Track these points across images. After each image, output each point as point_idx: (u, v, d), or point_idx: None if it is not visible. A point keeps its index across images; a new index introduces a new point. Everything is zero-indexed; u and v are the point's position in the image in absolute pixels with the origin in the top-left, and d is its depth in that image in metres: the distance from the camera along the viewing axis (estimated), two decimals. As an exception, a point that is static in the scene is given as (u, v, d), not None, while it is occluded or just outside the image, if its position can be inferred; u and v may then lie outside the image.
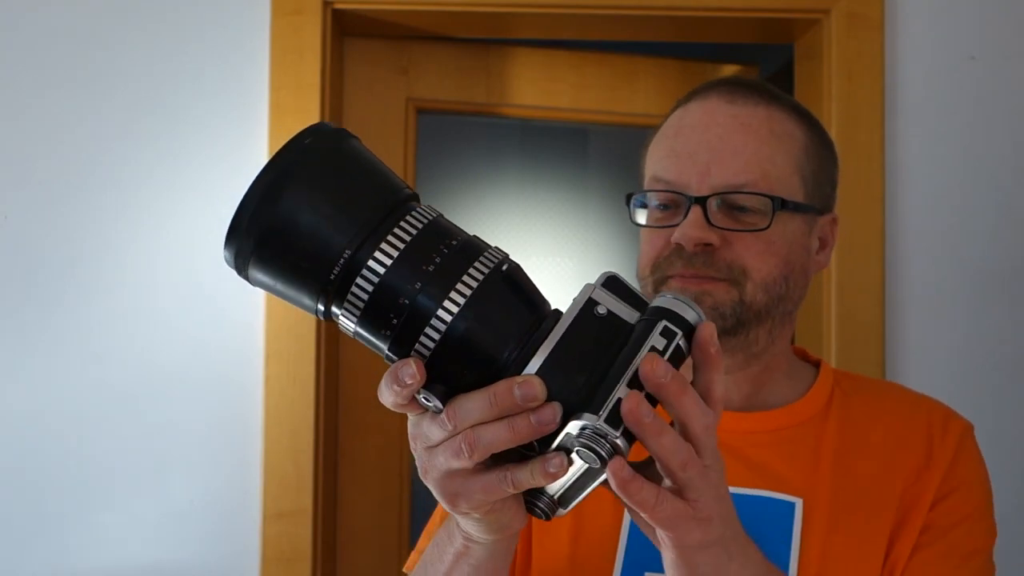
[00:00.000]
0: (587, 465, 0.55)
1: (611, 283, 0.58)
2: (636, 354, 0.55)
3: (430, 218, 0.56)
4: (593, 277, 0.60)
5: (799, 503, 0.86)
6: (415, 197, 0.58)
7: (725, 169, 0.88)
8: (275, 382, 1.52)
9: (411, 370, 0.54)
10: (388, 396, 0.56)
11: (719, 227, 0.87)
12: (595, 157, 2.09)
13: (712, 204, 0.87)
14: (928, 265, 1.58)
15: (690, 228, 0.86)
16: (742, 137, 0.89)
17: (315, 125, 0.56)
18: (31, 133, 1.54)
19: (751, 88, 0.93)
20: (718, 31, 1.69)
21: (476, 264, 0.55)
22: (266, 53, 1.55)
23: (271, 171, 0.54)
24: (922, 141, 1.58)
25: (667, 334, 0.56)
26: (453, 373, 0.55)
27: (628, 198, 0.94)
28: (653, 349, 0.55)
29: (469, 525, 0.64)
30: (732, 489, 0.85)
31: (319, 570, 1.54)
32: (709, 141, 0.89)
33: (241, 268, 0.56)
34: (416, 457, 0.60)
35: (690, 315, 0.57)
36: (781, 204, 0.88)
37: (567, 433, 0.54)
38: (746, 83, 0.95)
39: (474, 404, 0.55)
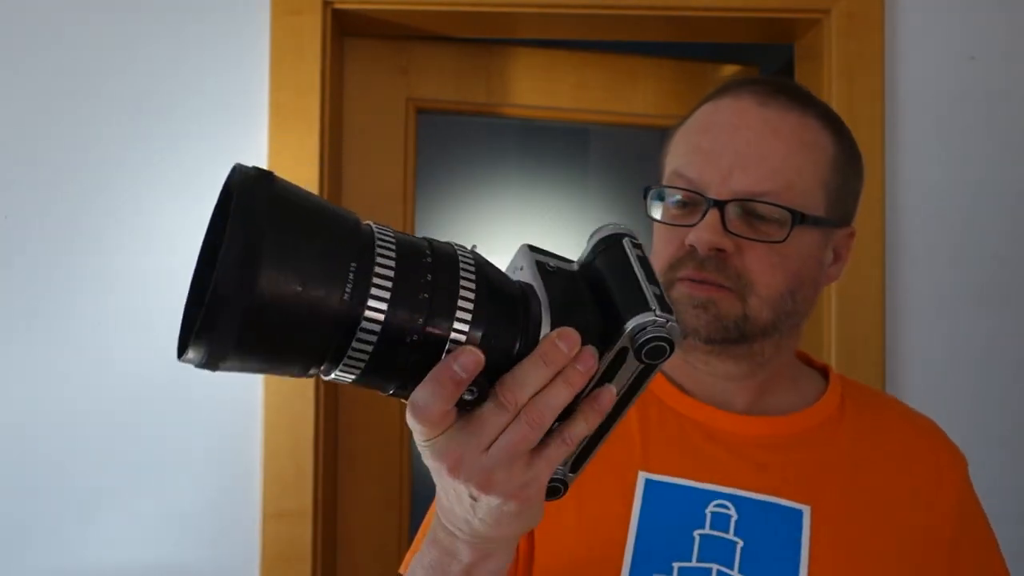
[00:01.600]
0: (629, 379, 0.57)
1: (534, 249, 0.60)
2: (630, 259, 0.58)
3: (393, 238, 0.53)
4: None
5: (807, 511, 0.86)
6: (359, 220, 0.54)
7: (748, 175, 0.85)
8: (275, 381, 1.52)
9: (475, 357, 0.52)
10: (438, 401, 0.53)
11: (735, 234, 0.85)
12: (595, 157, 2.09)
13: (731, 210, 0.85)
14: (928, 267, 1.57)
15: (706, 232, 0.84)
16: (771, 143, 0.86)
17: (237, 175, 0.50)
18: (30, 133, 1.54)
19: (786, 92, 0.91)
20: (718, 31, 1.69)
21: (461, 273, 0.54)
22: (266, 53, 1.55)
23: (234, 253, 0.48)
24: (922, 141, 1.58)
25: (636, 245, 0.60)
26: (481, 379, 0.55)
27: (646, 191, 0.92)
28: (638, 255, 0.59)
29: (507, 523, 0.60)
30: (740, 492, 0.86)
31: (319, 570, 1.54)
32: (736, 143, 0.87)
33: (212, 364, 0.50)
34: (469, 473, 0.55)
35: (633, 231, 0.62)
36: (801, 219, 0.86)
37: (620, 349, 0.55)
38: (782, 86, 0.92)
39: (527, 373, 0.54)
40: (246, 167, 0.50)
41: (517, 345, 0.55)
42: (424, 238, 0.56)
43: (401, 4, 1.60)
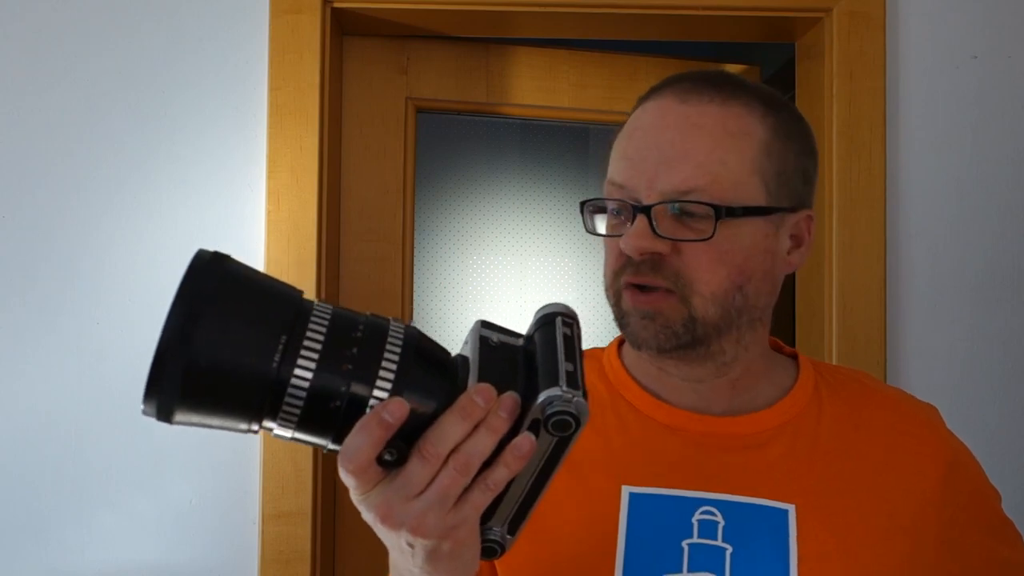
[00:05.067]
0: (548, 449, 0.61)
1: (487, 325, 0.65)
2: (556, 336, 0.63)
3: (329, 313, 0.59)
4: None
5: (792, 510, 0.85)
6: (302, 297, 0.61)
7: (673, 175, 0.83)
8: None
9: (401, 405, 0.58)
10: (368, 444, 0.58)
11: (665, 236, 0.84)
12: (596, 157, 2.08)
13: (660, 212, 0.84)
14: (928, 265, 1.57)
15: (634, 238, 0.84)
16: (693, 139, 0.84)
17: (195, 257, 0.57)
18: (29, 132, 1.54)
19: (708, 83, 0.87)
20: (719, 30, 1.68)
21: (388, 344, 0.60)
22: (265, 52, 1.55)
23: (174, 321, 0.55)
24: (923, 140, 1.58)
25: (566, 324, 0.65)
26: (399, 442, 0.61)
27: (582, 206, 0.91)
28: (564, 334, 0.64)
29: (444, 568, 0.65)
30: (726, 496, 0.85)
31: (318, 571, 1.54)
32: (659, 144, 0.85)
33: (165, 417, 0.56)
34: (401, 520, 0.60)
35: (568, 311, 0.67)
36: (726, 212, 0.83)
37: (533, 420, 0.60)
38: (704, 78, 0.89)
39: (447, 427, 0.59)
40: (205, 252, 0.57)
41: (439, 410, 0.60)
42: (365, 314, 0.61)
43: (401, 3, 1.59)
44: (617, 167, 0.88)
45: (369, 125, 1.73)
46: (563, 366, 0.61)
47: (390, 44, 1.75)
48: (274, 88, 1.54)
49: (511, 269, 1.95)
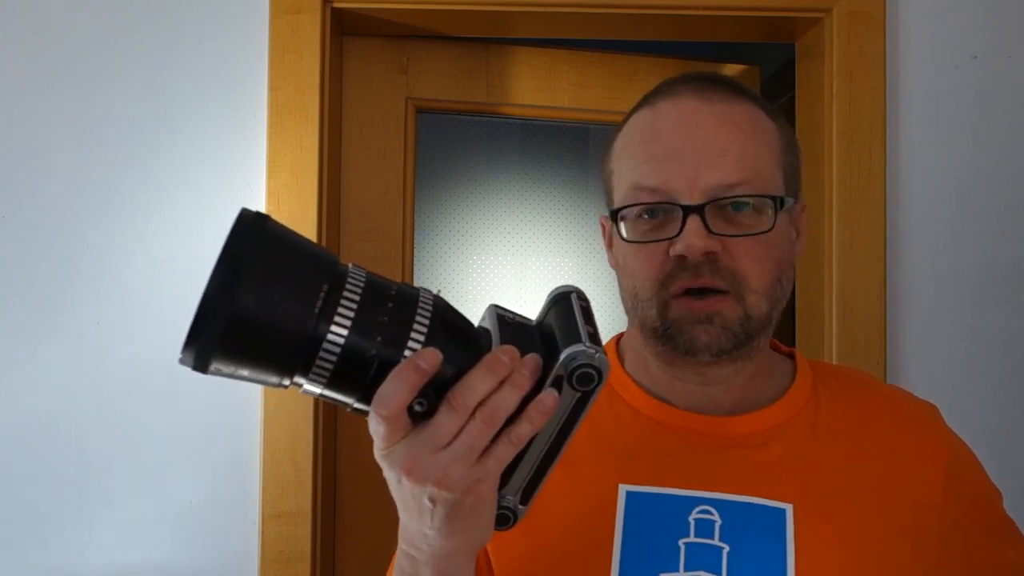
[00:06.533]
0: (568, 409, 0.63)
1: (499, 308, 0.68)
2: (573, 308, 0.66)
3: (363, 277, 0.62)
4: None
5: (789, 509, 0.84)
6: (338, 260, 0.63)
7: (715, 172, 0.83)
8: (274, 382, 1.51)
9: (436, 354, 0.59)
10: (403, 390, 0.59)
11: (719, 234, 0.83)
12: (596, 157, 2.08)
13: (709, 211, 0.83)
14: (928, 265, 1.57)
15: (694, 238, 0.82)
16: (727, 135, 0.85)
17: (239, 216, 0.59)
18: (29, 132, 1.54)
19: (721, 83, 0.89)
20: (719, 30, 1.68)
21: (419, 309, 0.62)
22: (265, 52, 1.55)
23: (219, 275, 0.56)
24: (923, 140, 1.58)
25: (581, 299, 0.68)
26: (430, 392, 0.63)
27: (614, 215, 0.88)
28: (581, 306, 0.67)
29: (460, 528, 0.65)
30: (723, 496, 0.85)
31: (318, 571, 1.54)
32: (691, 142, 0.84)
33: (202, 365, 0.58)
34: (427, 472, 0.61)
35: (580, 290, 0.69)
36: (781, 203, 0.86)
37: (555, 377, 0.62)
38: (713, 78, 0.90)
39: (475, 381, 0.61)
40: (249, 211, 0.59)
41: (465, 372, 0.62)
42: (396, 282, 0.64)
43: (401, 3, 1.59)
44: (644, 170, 0.86)
45: (369, 125, 1.73)
46: (584, 327, 0.64)
47: (390, 44, 1.75)
48: (274, 88, 1.54)
49: (511, 269, 1.95)
